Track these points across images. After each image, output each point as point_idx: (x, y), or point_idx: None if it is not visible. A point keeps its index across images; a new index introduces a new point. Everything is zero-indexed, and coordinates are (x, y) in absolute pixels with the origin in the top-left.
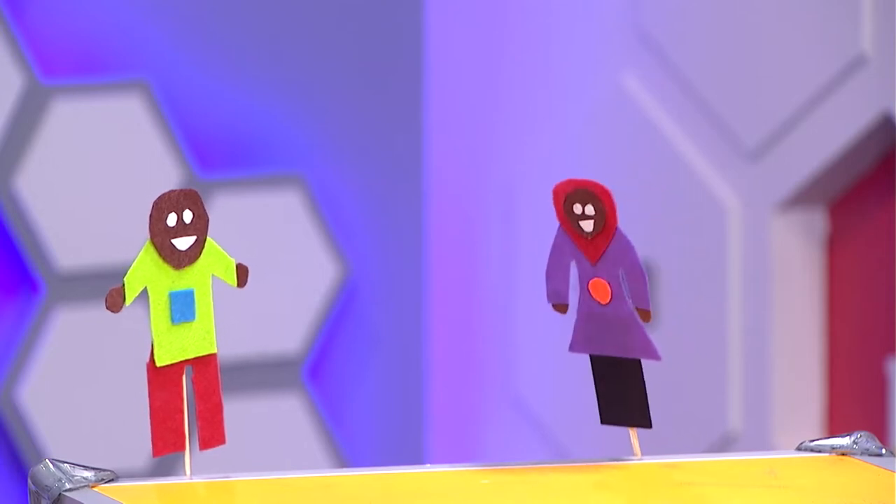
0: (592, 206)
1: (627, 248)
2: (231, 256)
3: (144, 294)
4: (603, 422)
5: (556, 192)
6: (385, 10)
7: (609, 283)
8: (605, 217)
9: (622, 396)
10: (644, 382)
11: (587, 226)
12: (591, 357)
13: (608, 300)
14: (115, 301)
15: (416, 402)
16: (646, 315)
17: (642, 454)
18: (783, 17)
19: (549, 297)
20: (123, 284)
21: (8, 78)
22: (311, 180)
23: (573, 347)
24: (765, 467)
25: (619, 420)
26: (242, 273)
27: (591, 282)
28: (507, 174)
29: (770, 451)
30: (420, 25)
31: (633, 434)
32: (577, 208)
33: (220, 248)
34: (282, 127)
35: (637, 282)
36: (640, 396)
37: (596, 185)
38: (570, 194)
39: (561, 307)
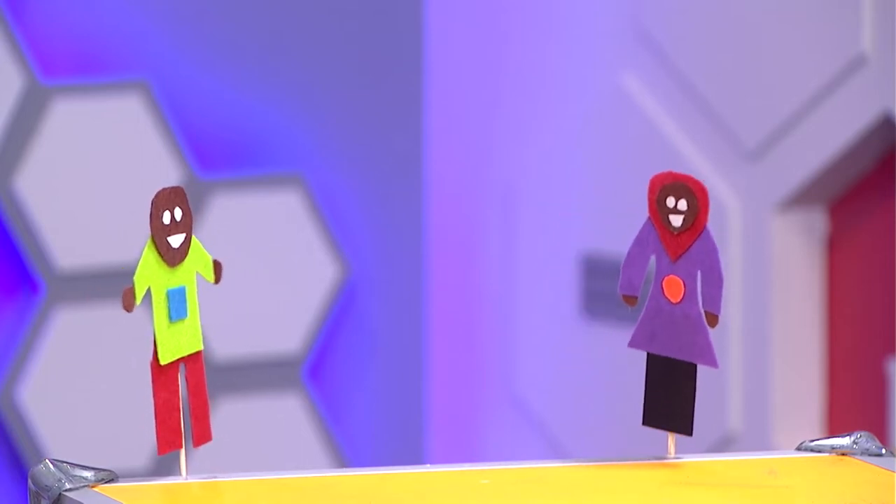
0: (686, 201)
1: (712, 249)
2: (209, 253)
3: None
4: (645, 423)
5: (652, 183)
6: (385, 10)
7: (684, 282)
8: (697, 214)
9: (669, 400)
10: (695, 388)
11: (676, 220)
12: (649, 356)
13: (679, 299)
14: (128, 301)
15: (416, 402)
16: (714, 320)
17: (642, 454)
18: (783, 17)
19: (622, 287)
20: (134, 284)
21: (8, 78)
22: (311, 180)
23: (634, 343)
24: (765, 467)
25: (660, 423)
26: (218, 269)
27: (665, 278)
28: (507, 174)
29: (770, 451)
30: (420, 25)
31: (672, 436)
32: (670, 201)
33: (200, 244)
34: (282, 127)
35: (714, 285)
36: (688, 402)
37: (694, 180)
38: (666, 186)
39: (631, 299)
